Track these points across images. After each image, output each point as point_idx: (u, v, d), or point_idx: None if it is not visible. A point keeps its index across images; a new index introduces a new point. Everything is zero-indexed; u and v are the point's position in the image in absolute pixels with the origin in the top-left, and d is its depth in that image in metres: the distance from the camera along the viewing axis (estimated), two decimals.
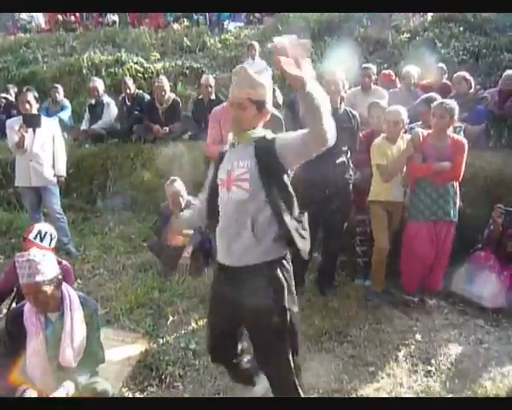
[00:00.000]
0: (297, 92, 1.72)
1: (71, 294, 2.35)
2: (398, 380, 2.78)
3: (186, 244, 4.08)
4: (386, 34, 7.79)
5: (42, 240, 2.91)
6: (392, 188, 3.62)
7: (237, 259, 2.00)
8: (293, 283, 2.05)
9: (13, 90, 7.40)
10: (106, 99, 6.38)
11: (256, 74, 1.94)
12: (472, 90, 4.86)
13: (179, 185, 4.07)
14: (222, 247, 2.06)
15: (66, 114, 6.82)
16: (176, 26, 10.21)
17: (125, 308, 3.55)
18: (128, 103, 6.25)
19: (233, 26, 10.36)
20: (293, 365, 2.03)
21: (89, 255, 4.67)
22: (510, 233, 3.58)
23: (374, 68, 5.28)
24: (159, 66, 8.38)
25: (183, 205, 4.03)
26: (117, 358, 2.92)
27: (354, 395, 2.64)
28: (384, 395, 2.66)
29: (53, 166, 4.61)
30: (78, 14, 11.80)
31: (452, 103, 3.43)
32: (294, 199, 2.01)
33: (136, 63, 8.40)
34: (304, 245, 1.98)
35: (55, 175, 4.62)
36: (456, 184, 3.51)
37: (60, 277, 2.29)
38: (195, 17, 10.69)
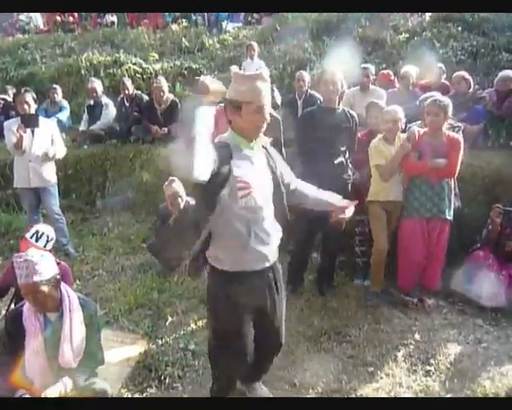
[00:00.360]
0: None
1: (70, 294, 2.35)
2: (397, 380, 2.79)
3: None
4: (385, 34, 7.78)
5: (37, 240, 2.91)
6: (391, 187, 3.62)
7: (269, 261, 2.12)
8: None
9: (11, 91, 7.32)
10: (104, 100, 6.37)
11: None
12: (471, 90, 4.86)
13: (178, 186, 4.06)
14: (252, 252, 2.07)
15: (64, 115, 6.80)
16: (174, 26, 10.18)
17: (125, 309, 3.56)
18: (127, 104, 6.24)
19: (231, 26, 10.32)
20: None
21: (88, 256, 4.66)
22: (509, 233, 3.58)
23: (372, 68, 5.28)
24: (157, 66, 8.37)
25: (181, 206, 4.03)
26: (116, 359, 2.93)
27: (353, 395, 2.65)
28: (383, 394, 2.67)
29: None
30: (76, 15, 11.76)
31: (446, 100, 3.43)
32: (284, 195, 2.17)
33: (135, 64, 8.39)
34: None
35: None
36: (452, 183, 3.52)
37: (58, 277, 2.29)
38: (194, 18, 10.68)
